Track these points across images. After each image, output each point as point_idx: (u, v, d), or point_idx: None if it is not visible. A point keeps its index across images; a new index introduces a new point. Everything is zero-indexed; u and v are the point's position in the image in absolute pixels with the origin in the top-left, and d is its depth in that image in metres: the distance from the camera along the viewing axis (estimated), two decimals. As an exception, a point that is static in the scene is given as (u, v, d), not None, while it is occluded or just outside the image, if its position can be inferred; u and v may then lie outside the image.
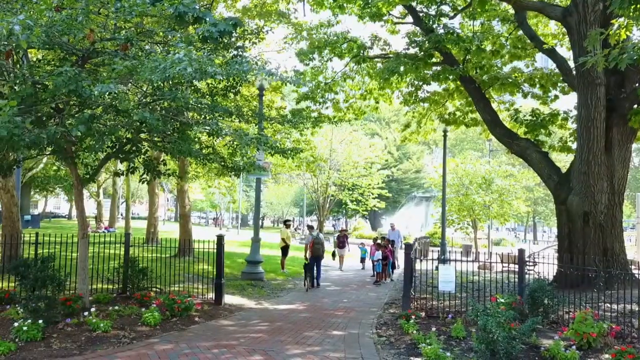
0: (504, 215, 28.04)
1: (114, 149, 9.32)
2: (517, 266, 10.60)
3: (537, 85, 17.45)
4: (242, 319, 9.54)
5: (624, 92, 12.89)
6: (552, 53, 14.86)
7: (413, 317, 8.99)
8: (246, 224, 68.10)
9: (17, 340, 6.94)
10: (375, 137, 53.96)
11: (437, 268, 12.43)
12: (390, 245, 17.48)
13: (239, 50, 9.67)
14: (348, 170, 33.22)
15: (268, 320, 9.45)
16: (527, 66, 18.31)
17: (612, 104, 12.78)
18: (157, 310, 8.55)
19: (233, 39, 9.72)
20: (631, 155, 15.37)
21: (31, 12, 6.79)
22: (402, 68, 14.70)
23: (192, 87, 9.77)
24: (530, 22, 16.25)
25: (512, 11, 15.57)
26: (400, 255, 17.98)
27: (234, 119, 11.07)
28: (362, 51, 16.14)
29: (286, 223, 19.52)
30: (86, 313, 8.21)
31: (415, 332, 8.05)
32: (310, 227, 19.96)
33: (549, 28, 17.91)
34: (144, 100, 8.64)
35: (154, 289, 10.79)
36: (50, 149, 8.52)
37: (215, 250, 10.74)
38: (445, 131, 22.22)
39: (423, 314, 9.73)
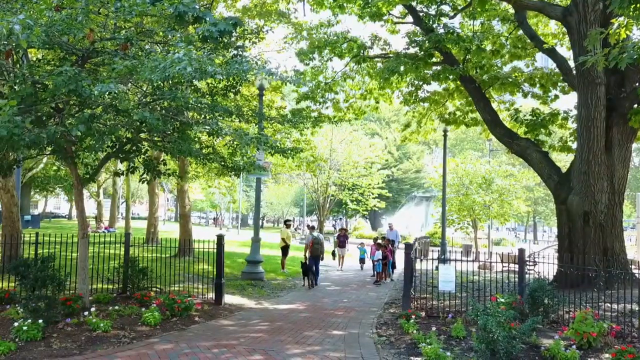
0: (504, 215, 28.04)
1: (114, 149, 9.33)
2: (517, 266, 10.59)
3: (537, 85, 17.46)
4: (242, 318, 9.54)
5: (624, 91, 12.89)
6: (552, 53, 14.86)
7: (413, 316, 8.99)
8: (246, 224, 68.11)
9: (17, 340, 6.93)
10: (376, 137, 53.96)
11: (437, 268, 12.43)
12: (390, 245, 17.47)
13: (239, 50, 9.66)
14: (348, 170, 33.22)
15: (268, 320, 9.45)
16: (527, 66, 18.32)
17: (612, 103, 12.78)
18: (157, 310, 8.55)
19: (233, 39, 9.72)
20: (631, 154, 15.38)
21: (31, 12, 6.78)
22: (402, 68, 14.70)
23: (192, 87, 9.77)
24: (531, 22, 16.25)
25: (512, 11, 15.58)
26: (398, 255, 17.96)
27: (234, 118, 11.06)
28: (362, 51, 16.14)
29: (286, 223, 19.54)
30: (86, 313, 8.21)
31: (415, 331, 8.05)
32: (310, 227, 19.97)
33: (549, 28, 17.91)
34: (144, 100, 8.64)
35: (154, 289, 10.79)
36: (50, 148, 8.52)
37: (215, 250, 10.74)
38: (445, 131, 22.23)
39: (423, 313, 9.73)
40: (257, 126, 13.34)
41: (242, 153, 11.62)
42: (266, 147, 10.11)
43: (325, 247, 16.07)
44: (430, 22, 14.97)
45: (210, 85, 10.46)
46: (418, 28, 16.15)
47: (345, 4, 15.24)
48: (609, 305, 9.36)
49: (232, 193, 43.75)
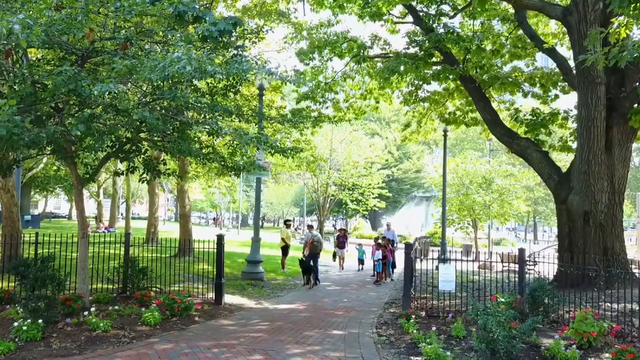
0: (504, 215, 28.04)
1: (114, 149, 9.32)
2: (517, 266, 10.59)
3: (538, 85, 17.46)
4: (242, 318, 9.54)
5: (624, 91, 12.89)
6: (552, 52, 14.86)
7: (413, 316, 8.99)
8: (246, 224, 68.13)
9: (16, 339, 6.93)
10: (376, 137, 53.94)
11: (437, 268, 12.42)
12: (390, 245, 17.47)
13: (239, 49, 9.66)
14: (348, 170, 33.21)
15: (268, 320, 9.45)
16: (528, 65, 18.32)
17: (613, 103, 12.78)
18: (157, 310, 8.55)
19: (233, 39, 9.72)
20: (631, 154, 15.37)
21: (31, 12, 6.78)
22: (402, 67, 14.70)
23: (192, 87, 9.77)
24: (531, 22, 16.25)
25: (512, 10, 15.57)
26: (398, 255, 17.94)
27: (234, 118, 11.05)
28: (362, 51, 16.13)
29: (286, 223, 19.55)
30: (86, 313, 8.21)
31: (415, 331, 8.04)
32: (309, 227, 19.98)
33: (549, 27, 17.91)
34: (143, 99, 8.63)
35: (154, 289, 10.79)
36: (50, 148, 8.52)
37: (215, 250, 10.74)
38: (445, 131, 22.22)
39: (423, 313, 9.73)
40: (257, 126, 13.34)
41: (242, 153, 11.61)
42: (266, 147, 10.11)
43: (323, 246, 16.07)
44: (430, 22, 14.96)
45: (210, 85, 10.46)
46: (418, 28, 16.15)
47: (345, 4, 15.23)
48: (609, 304, 9.36)
49: (232, 193, 43.73)
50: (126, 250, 11.06)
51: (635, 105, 12.70)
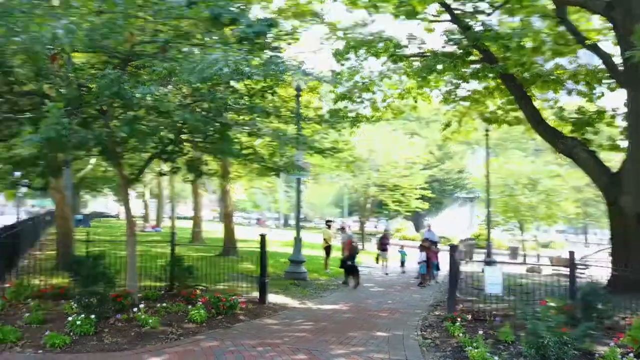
0: (552, 216, 27.22)
1: (157, 150, 9.51)
2: (567, 269, 10.23)
3: (582, 82, 16.80)
4: (286, 318, 9.59)
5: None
6: (596, 49, 14.29)
7: (459, 319, 8.80)
8: (288, 224, 68.54)
9: (71, 333, 7.18)
10: (415, 137, 53.27)
11: (482, 270, 12.16)
12: (434, 247, 17.20)
13: (275, 51, 9.70)
14: (388, 171, 32.92)
15: (312, 320, 9.46)
16: (570, 62, 17.65)
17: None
18: (203, 307, 8.68)
19: (268, 40, 9.76)
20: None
21: (74, 17, 6.99)
22: (439, 66, 14.42)
23: (230, 88, 9.86)
24: (572, 18, 15.65)
25: (552, 6, 15.06)
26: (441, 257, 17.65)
27: (272, 119, 11.10)
28: (398, 50, 15.91)
29: (328, 223, 19.55)
30: (135, 309, 8.41)
31: (461, 334, 7.88)
32: (341, 228, 19.92)
33: (591, 23, 17.22)
34: (184, 101, 8.77)
35: (200, 287, 10.97)
36: (96, 149, 8.77)
37: (258, 250, 10.84)
38: (487, 130, 21.73)
39: (469, 316, 9.51)
40: (295, 127, 13.38)
41: (281, 153, 11.68)
42: (304, 147, 10.12)
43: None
44: (467, 20, 14.65)
45: (248, 86, 10.53)
46: (455, 26, 15.83)
47: (379, 3, 15.07)
48: (667, 311, 8.94)
49: (274, 193, 44.10)
50: (172, 249, 11.30)
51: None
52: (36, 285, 9.80)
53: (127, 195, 9.87)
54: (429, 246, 16.60)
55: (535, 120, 15.20)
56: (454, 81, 17.56)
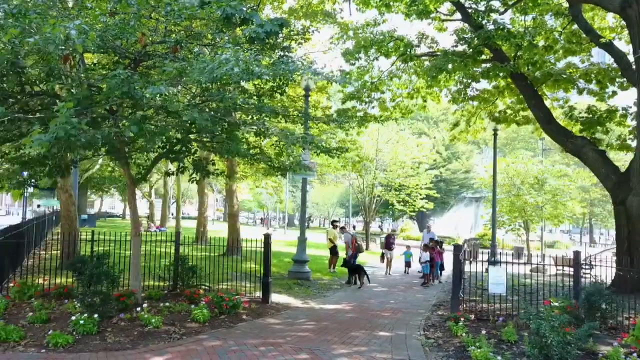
0: (558, 216, 27.06)
1: (165, 149, 9.55)
2: (571, 269, 10.17)
3: (594, 81, 16.72)
4: (289, 317, 9.59)
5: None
6: (609, 47, 14.21)
7: (462, 319, 8.77)
8: (292, 224, 68.67)
9: (74, 332, 7.22)
10: (423, 137, 53.15)
11: (487, 270, 12.11)
12: (438, 247, 17.16)
13: (286, 50, 9.73)
14: (395, 171, 32.85)
15: (314, 320, 9.46)
16: (583, 61, 17.58)
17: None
18: (206, 307, 8.71)
19: (279, 40, 9.79)
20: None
21: (86, 18, 7.05)
22: (450, 66, 14.38)
23: (240, 88, 9.90)
24: (586, 16, 15.58)
25: (566, 5, 14.99)
26: (445, 257, 17.58)
27: (281, 119, 11.14)
28: (409, 49, 15.89)
29: (333, 223, 19.54)
30: (138, 309, 8.46)
31: (464, 334, 7.86)
32: (341, 228, 19.92)
33: (606, 21, 17.13)
34: (193, 101, 8.82)
35: (203, 287, 11.00)
36: (104, 149, 8.83)
37: (262, 249, 10.85)
38: (495, 130, 21.67)
39: (472, 316, 9.49)
40: (302, 126, 13.40)
41: (288, 153, 11.70)
42: (312, 147, 10.14)
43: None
44: (479, 19, 14.60)
45: (257, 86, 10.58)
46: (466, 25, 15.79)
47: (391, 3, 15.05)
48: (673, 311, 8.86)
49: (279, 193, 44.14)
50: (176, 248, 11.33)
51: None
52: (40, 284, 9.84)
53: (133, 195, 9.91)
54: (432, 246, 16.58)
55: (545, 120, 15.12)
56: (464, 80, 17.52)
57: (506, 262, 10.74)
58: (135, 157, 10.34)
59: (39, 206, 42.54)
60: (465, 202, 54.89)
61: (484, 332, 7.89)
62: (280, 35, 8.94)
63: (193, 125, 8.19)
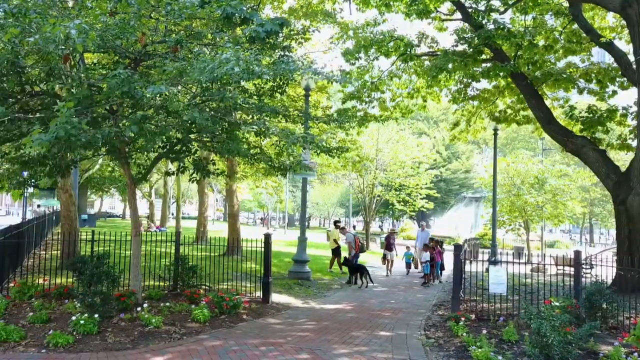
0: (558, 216, 27.02)
1: (165, 149, 9.55)
2: (572, 269, 10.17)
3: (594, 81, 16.70)
4: (289, 317, 9.59)
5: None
6: (609, 47, 14.20)
7: (462, 319, 8.77)
8: (293, 223, 68.69)
9: (74, 333, 7.22)
10: (423, 136, 53.15)
11: (487, 270, 12.11)
12: (438, 247, 17.15)
13: (286, 50, 9.72)
14: (395, 170, 32.86)
15: (315, 320, 9.46)
16: (583, 61, 17.56)
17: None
18: (206, 307, 8.71)
19: (280, 40, 9.79)
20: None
21: (87, 17, 7.04)
22: (450, 65, 14.36)
23: (240, 88, 9.89)
24: (586, 15, 15.57)
25: (566, 4, 14.98)
26: (446, 257, 17.57)
27: (281, 119, 11.14)
28: (409, 49, 15.87)
29: (336, 223, 19.52)
30: (139, 309, 8.46)
31: (465, 334, 7.86)
32: (341, 228, 19.90)
33: (606, 21, 17.13)
34: (193, 101, 8.82)
35: (203, 287, 11.00)
36: (105, 149, 8.82)
37: (262, 249, 10.85)
38: (495, 129, 21.65)
39: (473, 316, 9.48)
40: (303, 126, 13.40)
41: (288, 153, 11.69)
42: (312, 147, 10.13)
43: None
44: (480, 18, 14.59)
45: (257, 86, 10.58)
46: (467, 25, 15.77)
47: (391, 2, 15.03)
48: (673, 311, 8.86)
49: (279, 193, 44.13)
50: (177, 248, 11.32)
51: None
52: (40, 284, 9.84)
53: (134, 195, 9.90)
54: (433, 246, 16.57)
55: (546, 119, 15.11)
56: (465, 80, 17.50)
57: (506, 262, 10.74)
58: (136, 157, 10.33)
59: (39, 206, 42.54)
60: (466, 202, 54.86)
61: (484, 331, 7.89)
62: (281, 35, 8.95)
63: (193, 125, 8.19)
